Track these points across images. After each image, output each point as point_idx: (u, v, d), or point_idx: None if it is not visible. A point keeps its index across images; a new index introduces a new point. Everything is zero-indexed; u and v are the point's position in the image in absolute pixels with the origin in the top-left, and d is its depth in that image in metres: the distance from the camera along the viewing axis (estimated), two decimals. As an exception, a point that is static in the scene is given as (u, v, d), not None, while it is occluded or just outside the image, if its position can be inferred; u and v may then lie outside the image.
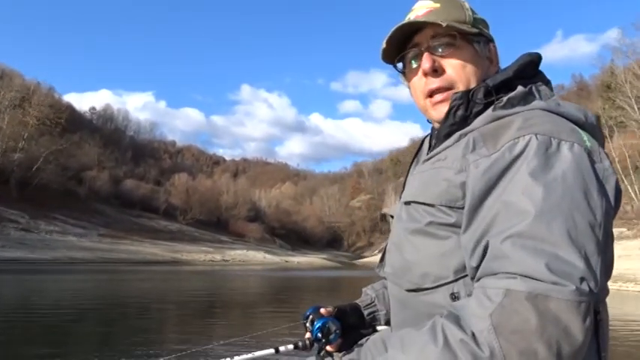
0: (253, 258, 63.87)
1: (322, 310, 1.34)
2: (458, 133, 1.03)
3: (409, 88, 1.17)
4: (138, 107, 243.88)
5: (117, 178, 79.51)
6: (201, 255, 57.85)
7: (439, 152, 1.06)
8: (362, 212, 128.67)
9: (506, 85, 1.03)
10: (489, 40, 1.13)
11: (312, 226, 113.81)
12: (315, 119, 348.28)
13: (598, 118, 1.03)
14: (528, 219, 0.80)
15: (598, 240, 0.81)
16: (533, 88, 1.02)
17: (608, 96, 48.98)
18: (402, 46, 1.13)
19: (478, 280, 0.85)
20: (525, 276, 0.77)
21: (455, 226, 0.96)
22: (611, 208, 0.87)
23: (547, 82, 1.08)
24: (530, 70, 1.07)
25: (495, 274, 0.81)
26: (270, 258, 66.26)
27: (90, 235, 54.21)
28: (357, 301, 1.44)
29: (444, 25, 1.04)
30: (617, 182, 0.90)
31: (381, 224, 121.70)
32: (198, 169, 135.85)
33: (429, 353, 0.78)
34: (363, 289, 1.50)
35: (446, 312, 0.84)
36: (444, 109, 1.08)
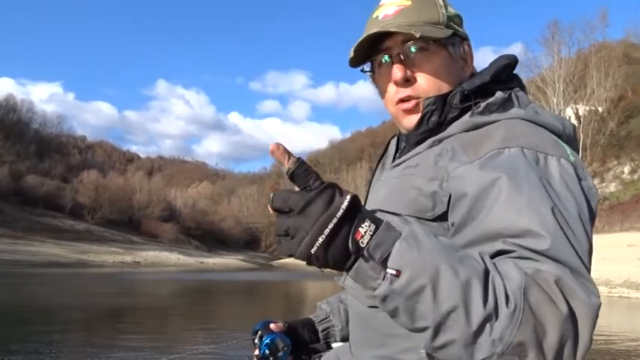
0: (167, 259, 61.77)
1: (272, 326, 1.27)
2: (431, 139, 0.99)
3: (379, 91, 1.10)
4: (43, 99, 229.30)
5: (18, 173, 73.70)
6: (110, 256, 55.08)
7: (410, 158, 1.01)
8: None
9: (483, 90, 0.98)
10: (464, 38, 1.07)
11: (229, 227, 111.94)
12: (234, 118, 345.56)
13: (574, 128, 1.01)
14: (536, 238, 0.76)
15: (590, 259, 0.80)
16: (512, 94, 0.98)
17: (513, 106, 51.91)
18: (371, 50, 1.05)
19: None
20: (556, 260, 0.74)
21: None
22: (594, 225, 0.86)
23: (523, 87, 1.04)
24: (507, 74, 1.03)
25: (521, 258, 0.76)
26: (184, 259, 64.38)
27: (-16, 234, 49.86)
28: (311, 316, 1.36)
29: (417, 35, 0.96)
30: (597, 197, 0.89)
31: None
32: (110, 166, 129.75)
33: (473, 266, 0.71)
34: (318, 304, 1.41)
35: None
36: (415, 117, 1.03)
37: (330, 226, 0.71)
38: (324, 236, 0.71)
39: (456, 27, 1.05)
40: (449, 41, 1.03)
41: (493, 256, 0.78)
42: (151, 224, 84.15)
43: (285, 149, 0.77)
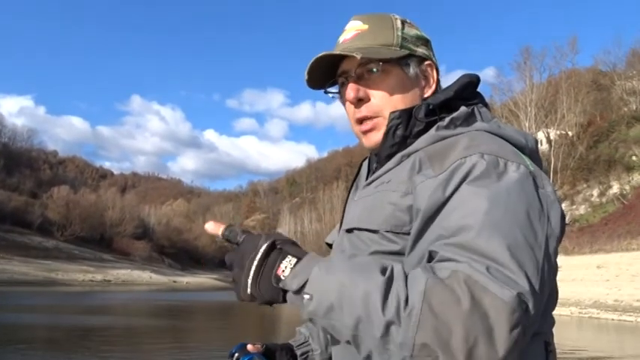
0: (138, 278, 60.55)
1: (249, 347, 1.26)
2: (400, 155, 1.01)
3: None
4: (13, 112, 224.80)
5: (-15, 188, 71.80)
6: (79, 275, 53.73)
7: (381, 175, 1.03)
8: (256, 231, 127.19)
9: (447, 105, 1.02)
10: (423, 59, 1.10)
11: (203, 245, 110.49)
12: (210, 135, 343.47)
13: (537, 142, 1.04)
14: (469, 233, 0.79)
15: (538, 262, 0.79)
16: (475, 109, 1.02)
17: (486, 129, 52.91)
18: (333, 70, 1.10)
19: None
20: (470, 265, 0.75)
21: (400, 254, 0.93)
22: (555, 237, 0.85)
23: (486, 105, 1.07)
24: (470, 91, 1.06)
25: (441, 261, 0.80)
26: (156, 278, 63.21)
27: (-53, 251, 48.17)
28: (290, 341, 1.35)
29: (357, 57, 1.01)
30: (561, 210, 0.89)
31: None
32: (82, 182, 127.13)
33: (373, 279, 0.76)
34: (297, 328, 1.39)
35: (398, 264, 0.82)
36: (374, 137, 1.06)
37: (253, 267, 0.84)
38: (251, 277, 0.84)
39: (413, 47, 1.08)
40: (402, 61, 1.06)
41: (429, 261, 0.83)
42: (123, 242, 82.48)
43: (215, 223, 0.93)
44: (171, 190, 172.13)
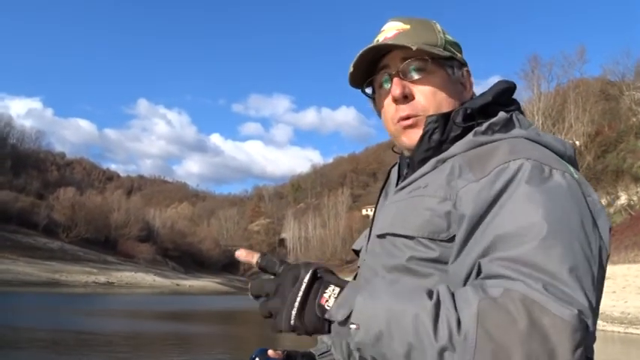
0: (142, 280, 60.53)
1: (270, 352, 1.22)
2: (435, 159, 0.98)
3: (378, 113, 1.11)
4: (21, 114, 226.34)
5: (-8, 188, 72.14)
6: (83, 276, 53.76)
7: (415, 180, 1.00)
8: (260, 236, 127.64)
9: (485, 111, 0.99)
10: (462, 64, 1.08)
11: (207, 249, 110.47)
12: (216, 139, 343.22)
13: (575, 150, 1.01)
14: (523, 246, 0.75)
15: (594, 277, 0.76)
16: (514, 115, 0.99)
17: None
18: (371, 69, 1.07)
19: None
20: (526, 283, 0.72)
21: (438, 261, 0.89)
22: (605, 248, 0.82)
23: (521, 111, 1.04)
24: (506, 97, 1.04)
25: (493, 277, 0.76)
26: (160, 281, 63.14)
27: (-48, 250, 48.37)
28: (312, 350, 1.31)
29: (413, 48, 0.98)
30: (608, 219, 0.86)
31: (278, 249, 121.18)
32: (88, 183, 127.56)
33: (420, 303, 0.74)
34: (319, 337, 1.33)
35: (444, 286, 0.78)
36: (415, 135, 1.03)
37: (298, 299, 0.80)
38: (295, 309, 0.80)
39: (454, 51, 1.07)
40: (447, 63, 1.05)
41: (477, 275, 0.80)
42: (127, 244, 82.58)
43: (247, 251, 0.89)
44: (176, 193, 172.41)
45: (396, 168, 1.18)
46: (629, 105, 50.59)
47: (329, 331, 0.81)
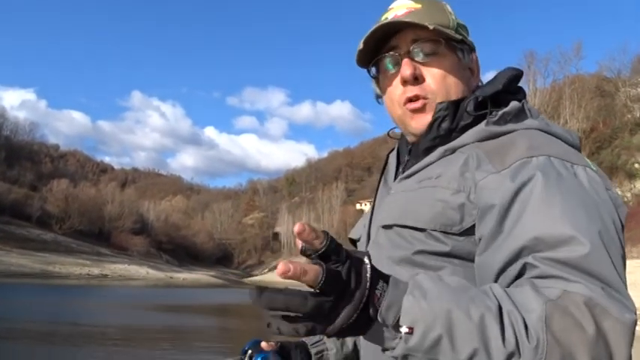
0: (135, 273, 60.45)
1: (263, 344, 1.20)
2: (442, 148, 0.95)
3: (381, 97, 1.08)
4: (15, 105, 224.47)
5: (-16, 179, 71.66)
6: (76, 268, 53.69)
7: (421, 168, 0.97)
8: (254, 230, 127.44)
9: (495, 99, 0.95)
10: (472, 49, 1.05)
11: (202, 242, 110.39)
12: (210, 133, 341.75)
13: (580, 140, 0.99)
14: (576, 248, 0.73)
15: (625, 278, 0.75)
16: (525, 105, 0.96)
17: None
18: (377, 49, 1.02)
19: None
20: (587, 286, 0.70)
21: (450, 255, 0.86)
22: (624, 241, 0.81)
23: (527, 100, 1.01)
24: (514, 85, 1.00)
25: (547, 277, 0.73)
26: (153, 273, 63.08)
27: (-56, 241, 48.04)
28: (305, 339, 1.29)
29: (430, 27, 0.94)
30: (624, 209, 0.86)
31: (272, 243, 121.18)
32: (82, 175, 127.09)
33: (483, 303, 0.68)
34: None
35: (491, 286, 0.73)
36: (423, 119, 0.99)
37: (364, 299, 0.67)
38: (359, 309, 0.67)
39: (465, 35, 1.03)
40: (458, 46, 1.01)
41: (520, 272, 0.76)
42: (121, 236, 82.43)
43: (311, 229, 0.68)
44: (170, 186, 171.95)
45: (394, 153, 1.14)
46: (624, 101, 50.75)
47: (364, 333, 0.71)
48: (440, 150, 0.95)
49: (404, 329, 0.67)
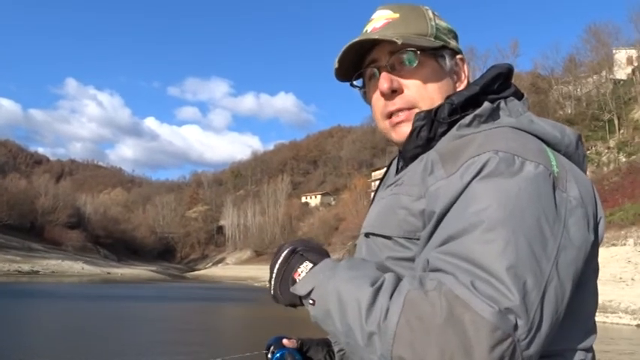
0: (69, 269, 57.75)
1: (284, 341, 1.23)
2: (421, 157, 0.95)
3: (370, 106, 1.08)
4: None
5: None
6: (4, 264, 50.58)
7: (400, 177, 0.98)
8: (198, 223, 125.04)
9: (474, 102, 0.94)
10: (456, 52, 1.04)
11: (142, 236, 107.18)
12: (151, 123, 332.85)
13: (579, 137, 0.96)
14: (465, 239, 0.75)
15: (543, 274, 0.73)
16: (502, 103, 0.95)
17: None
18: (359, 61, 1.04)
19: None
20: (456, 277, 0.73)
21: (413, 260, 0.89)
22: (574, 247, 0.78)
23: (520, 97, 1.00)
24: (500, 84, 0.98)
25: (434, 270, 0.78)
26: (89, 269, 60.47)
27: None
28: (328, 336, 1.29)
29: (399, 42, 0.94)
30: (591, 216, 0.84)
31: (216, 236, 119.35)
32: (13, 167, 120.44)
33: (364, 288, 0.78)
34: None
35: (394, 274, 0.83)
36: (405, 129, 0.99)
37: (275, 271, 0.93)
38: (274, 280, 0.93)
39: (446, 39, 1.03)
40: (438, 52, 1.01)
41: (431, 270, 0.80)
42: (55, 231, 78.53)
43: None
44: (110, 178, 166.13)
45: (396, 160, 1.15)
46: (557, 98, 52.96)
47: (302, 304, 0.89)
48: (419, 158, 0.95)
49: (310, 301, 0.85)
